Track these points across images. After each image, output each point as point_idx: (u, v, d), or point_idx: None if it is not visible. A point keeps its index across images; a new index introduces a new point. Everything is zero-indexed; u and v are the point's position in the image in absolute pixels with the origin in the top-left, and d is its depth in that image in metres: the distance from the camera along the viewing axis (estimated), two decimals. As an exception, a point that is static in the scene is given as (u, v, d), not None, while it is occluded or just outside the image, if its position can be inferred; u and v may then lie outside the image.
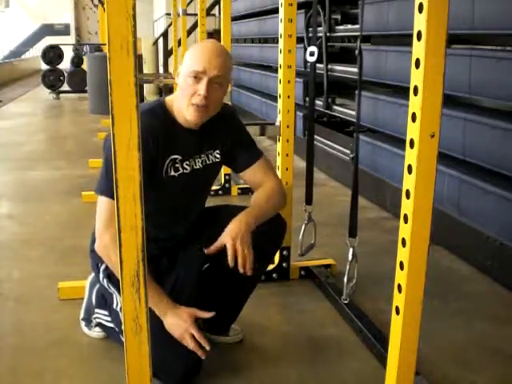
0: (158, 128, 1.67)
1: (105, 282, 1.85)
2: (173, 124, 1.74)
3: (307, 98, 4.72)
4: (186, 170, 1.77)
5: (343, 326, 2.13)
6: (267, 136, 5.25)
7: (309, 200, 2.46)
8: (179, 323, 1.63)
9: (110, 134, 1.68)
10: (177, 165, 1.74)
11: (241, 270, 1.69)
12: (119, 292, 1.78)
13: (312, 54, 2.30)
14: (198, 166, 1.80)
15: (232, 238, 1.68)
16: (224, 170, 3.96)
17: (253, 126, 2.69)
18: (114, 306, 1.84)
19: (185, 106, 1.69)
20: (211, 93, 1.66)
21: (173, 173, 1.74)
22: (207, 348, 1.64)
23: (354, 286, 2.19)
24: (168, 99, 1.77)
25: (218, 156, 1.85)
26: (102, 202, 1.68)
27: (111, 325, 1.88)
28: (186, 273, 1.83)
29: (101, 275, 1.85)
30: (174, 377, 1.66)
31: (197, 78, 1.65)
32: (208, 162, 1.83)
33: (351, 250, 2.15)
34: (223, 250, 1.70)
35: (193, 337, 1.63)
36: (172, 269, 1.84)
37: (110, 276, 1.81)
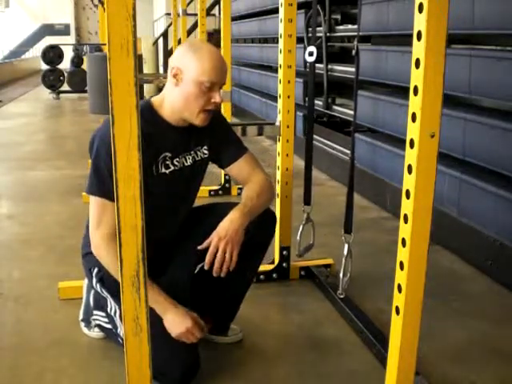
0: (145, 128, 1.66)
1: (98, 287, 1.85)
2: (160, 123, 1.75)
3: (307, 98, 4.72)
4: (177, 166, 1.79)
5: (343, 326, 2.13)
6: (267, 136, 5.25)
7: (307, 200, 2.47)
8: (181, 321, 1.64)
9: (96, 134, 1.70)
10: (167, 162, 1.76)
11: (214, 274, 1.70)
12: (112, 296, 1.81)
13: (311, 54, 2.30)
14: (188, 163, 1.83)
15: (219, 237, 1.69)
16: (224, 169, 3.96)
17: (253, 125, 2.69)
18: (109, 310, 1.84)
19: (195, 111, 1.71)
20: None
21: (164, 170, 1.76)
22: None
23: (349, 280, 2.21)
24: (155, 99, 1.78)
25: (205, 152, 1.88)
26: (91, 200, 1.72)
27: (109, 326, 1.88)
28: (179, 272, 1.84)
29: (94, 280, 1.85)
30: (173, 378, 1.65)
31: (211, 86, 1.69)
32: (197, 159, 1.86)
33: (346, 245, 2.17)
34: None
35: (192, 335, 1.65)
36: (165, 268, 1.83)
37: (103, 280, 1.82)
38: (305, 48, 4.32)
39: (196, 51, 1.70)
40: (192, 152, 1.84)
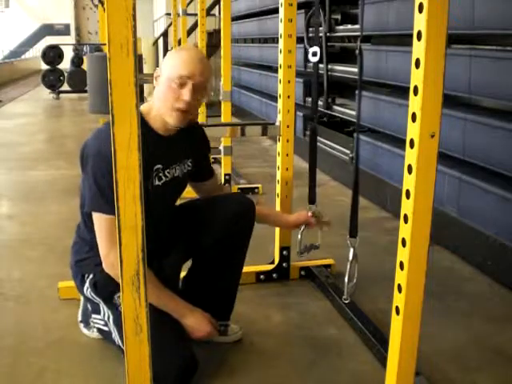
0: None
1: (88, 293, 1.85)
2: (150, 133, 1.74)
3: (307, 98, 4.72)
4: (168, 178, 1.80)
5: (343, 326, 2.13)
6: (267, 136, 5.24)
7: (312, 199, 2.44)
8: (200, 325, 1.78)
9: (89, 152, 1.67)
10: (160, 174, 1.77)
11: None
12: (104, 301, 1.81)
13: (315, 54, 2.30)
14: (177, 174, 1.84)
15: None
16: (224, 169, 3.96)
17: (253, 125, 2.69)
18: (102, 315, 1.85)
19: (167, 110, 1.70)
20: (193, 98, 1.69)
21: (157, 182, 1.77)
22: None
23: (355, 286, 2.19)
24: (143, 107, 1.76)
25: (190, 165, 1.91)
26: (100, 219, 1.69)
27: (107, 328, 1.88)
28: (170, 272, 1.87)
29: (86, 285, 1.85)
30: (171, 378, 1.65)
31: (181, 83, 1.67)
32: (184, 171, 1.88)
33: (352, 250, 2.15)
34: (204, 244, 1.90)
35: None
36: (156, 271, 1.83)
37: (97, 284, 1.82)
38: (305, 48, 4.34)
39: (173, 54, 1.73)
40: (180, 164, 1.86)
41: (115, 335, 1.80)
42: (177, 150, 1.83)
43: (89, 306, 1.95)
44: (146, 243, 1.46)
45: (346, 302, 2.19)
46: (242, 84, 7.24)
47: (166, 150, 1.77)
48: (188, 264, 2.02)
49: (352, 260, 2.14)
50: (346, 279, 2.15)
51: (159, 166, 1.76)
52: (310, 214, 2.18)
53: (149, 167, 1.72)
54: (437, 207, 2.62)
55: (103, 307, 1.84)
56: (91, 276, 1.83)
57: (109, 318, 1.82)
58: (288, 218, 2.21)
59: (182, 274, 2.02)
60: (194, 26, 6.80)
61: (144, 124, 1.73)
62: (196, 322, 1.77)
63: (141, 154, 0.95)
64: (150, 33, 13.66)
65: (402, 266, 1.25)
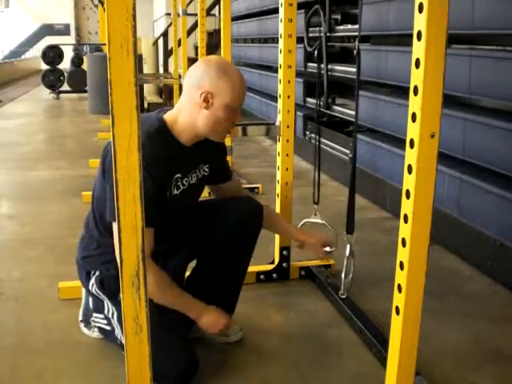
0: (165, 151, 1.68)
1: (94, 289, 1.86)
2: (175, 144, 1.75)
3: (307, 99, 4.72)
4: (185, 186, 1.81)
5: (343, 326, 2.13)
6: (267, 136, 5.24)
7: (316, 199, 2.45)
8: (216, 320, 1.80)
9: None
10: (178, 183, 1.78)
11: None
12: (109, 298, 1.82)
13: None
14: (193, 181, 1.85)
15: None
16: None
17: (253, 125, 2.69)
18: (106, 312, 1.86)
19: (221, 133, 1.78)
20: None
21: (175, 191, 1.77)
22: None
23: (351, 281, 2.21)
24: (168, 118, 1.75)
25: (206, 170, 1.91)
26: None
27: (109, 328, 1.88)
28: (175, 272, 1.87)
29: (91, 282, 1.86)
30: (171, 379, 1.65)
31: (237, 109, 1.76)
32: (200, 177, 1.89)
33: (348, 246, 2.17)
34: (210, 244, 1.91)
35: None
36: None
37: (103, 282, 1.83)
38: (305, 48, 4.33)
39: (226, 75, 1.70)
40: (197, 170, 1.87)
41: (118, 332, 1.81)
42: (196, 157, 1.84)
43: (90, 304, 1.95)
44: (160, 246, 1.45)
45: (343, 297, 2.24)
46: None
47: (185, 158, 1.78)
48: (192, 264, 2.02)
49: (349, 256, 2.17)
50: (343, 275, 2.18)
51: (179, 175, 1.77)
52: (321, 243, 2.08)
53: (171, 177, 1.74)
54: (437, 207, 2.62)
55: (107, 303, 1.84)
56: (97, 273, 1.84)
57: (113, 314, 1.83)
58: (297, 234, 2.14)
59: (187, 273, 2.02)
60: (194, 26, 6.81)
61: (170, 136, 1.74)
62: (213, 318, 1.80)
63: (141, 154, 0.95)
64: (150, 33, 13.67)
65: (402, 266, 1.25)
